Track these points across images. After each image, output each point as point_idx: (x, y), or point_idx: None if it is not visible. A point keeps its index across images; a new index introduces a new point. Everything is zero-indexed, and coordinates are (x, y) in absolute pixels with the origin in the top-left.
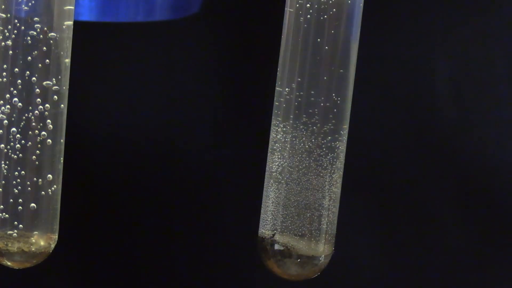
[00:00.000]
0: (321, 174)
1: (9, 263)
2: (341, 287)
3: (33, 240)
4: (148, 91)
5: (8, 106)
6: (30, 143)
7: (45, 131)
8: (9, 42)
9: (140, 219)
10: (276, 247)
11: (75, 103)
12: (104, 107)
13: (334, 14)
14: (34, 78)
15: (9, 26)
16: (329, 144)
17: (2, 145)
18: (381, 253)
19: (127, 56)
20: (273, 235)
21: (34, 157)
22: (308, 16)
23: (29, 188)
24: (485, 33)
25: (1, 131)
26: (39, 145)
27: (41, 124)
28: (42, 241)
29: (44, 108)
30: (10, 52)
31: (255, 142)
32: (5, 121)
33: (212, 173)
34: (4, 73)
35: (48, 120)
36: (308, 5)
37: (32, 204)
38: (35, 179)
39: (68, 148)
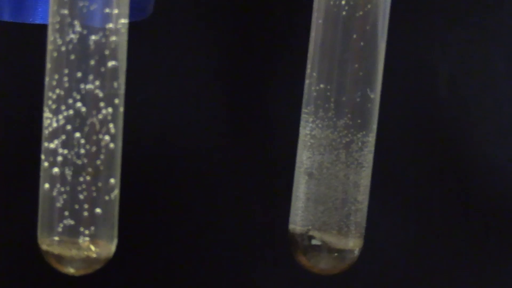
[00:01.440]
0: (351, 169)
1: (71, 270)
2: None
3: (94, 246)
4: (151, 91)
5: (71, 111)
6: (94, 147)
7: (108, 135)
8: (69, 46)
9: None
10: (310, 242)
11: None
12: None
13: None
14: (97, 82)
15: (69, 30)
16: (359, 141)
17: (66, 151)
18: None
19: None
20: (308, 230)
21: (98, 161)
22: (344, 12)
23: (94, 194)
24: (486, 32)
25: (64, 136)
26: (103, 150)
27: (104, 128)
28: (102, 247)
29: (107, 112)
30: (72, 56)
31: (262, 139)
32: (69, 127)
33: (215, 172)
34: (66, 78)
35: (111, 124)
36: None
37: (97, 210)
38: (99, 184)
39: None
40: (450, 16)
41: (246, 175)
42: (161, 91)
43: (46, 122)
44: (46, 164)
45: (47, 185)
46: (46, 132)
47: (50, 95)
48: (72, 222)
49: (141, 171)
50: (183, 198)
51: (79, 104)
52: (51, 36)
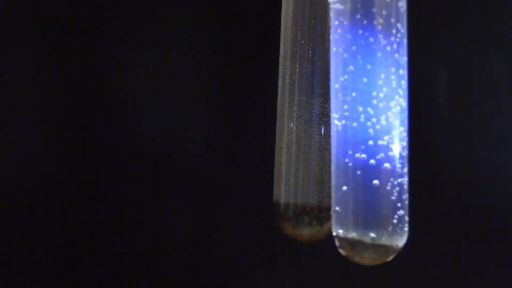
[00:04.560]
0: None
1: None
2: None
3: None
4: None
5: (398, 108)
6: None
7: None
8: None
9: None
10: None
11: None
12: (106, 113)
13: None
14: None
15: None
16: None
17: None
18: None
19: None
20: None
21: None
22: None
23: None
24: (486, 36)
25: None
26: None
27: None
28: None
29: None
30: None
31: (258, 143)
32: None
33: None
34: (393, 76)
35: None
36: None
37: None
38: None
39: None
40: (451, 18)
41: (244, 178)
42: (159, 96)
43: (371, 120)
44: (372, 161)
45: (376, 181)
46: (370, 131)
47: (375, 94)
48: (402, 212)
49: (140, 173)
50: (182, 199)
51: (401, 100)
52: None
